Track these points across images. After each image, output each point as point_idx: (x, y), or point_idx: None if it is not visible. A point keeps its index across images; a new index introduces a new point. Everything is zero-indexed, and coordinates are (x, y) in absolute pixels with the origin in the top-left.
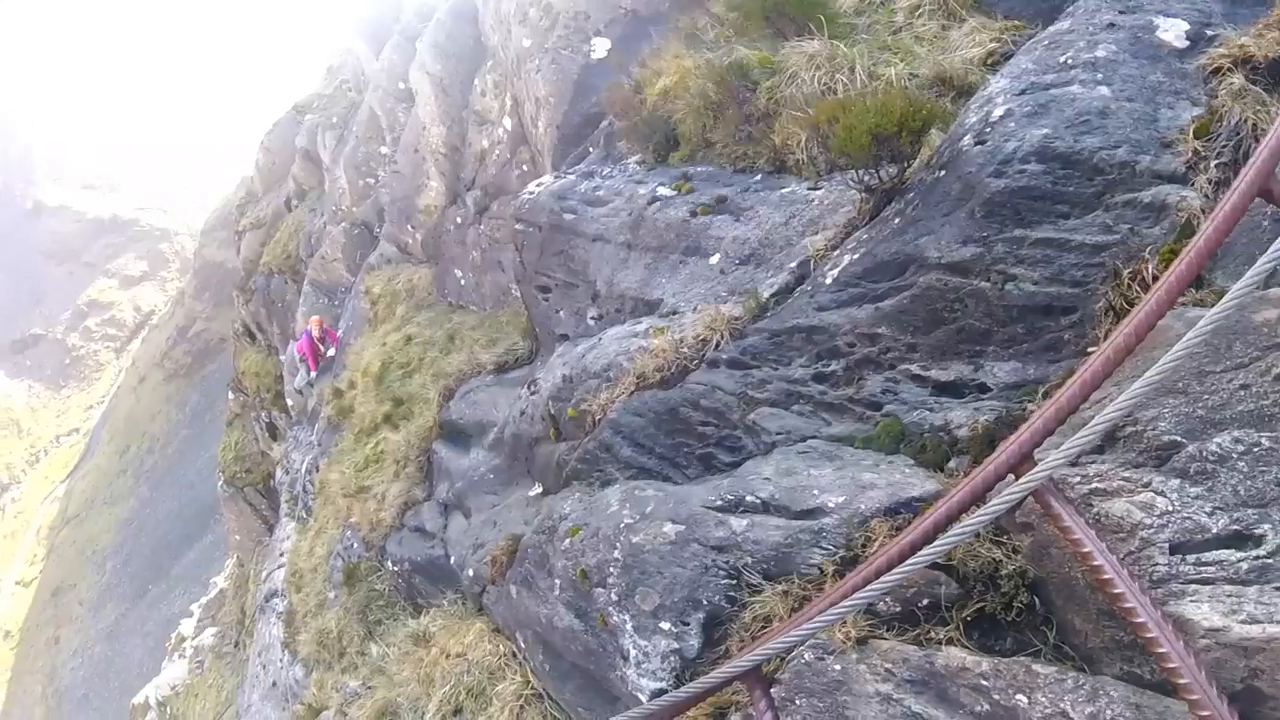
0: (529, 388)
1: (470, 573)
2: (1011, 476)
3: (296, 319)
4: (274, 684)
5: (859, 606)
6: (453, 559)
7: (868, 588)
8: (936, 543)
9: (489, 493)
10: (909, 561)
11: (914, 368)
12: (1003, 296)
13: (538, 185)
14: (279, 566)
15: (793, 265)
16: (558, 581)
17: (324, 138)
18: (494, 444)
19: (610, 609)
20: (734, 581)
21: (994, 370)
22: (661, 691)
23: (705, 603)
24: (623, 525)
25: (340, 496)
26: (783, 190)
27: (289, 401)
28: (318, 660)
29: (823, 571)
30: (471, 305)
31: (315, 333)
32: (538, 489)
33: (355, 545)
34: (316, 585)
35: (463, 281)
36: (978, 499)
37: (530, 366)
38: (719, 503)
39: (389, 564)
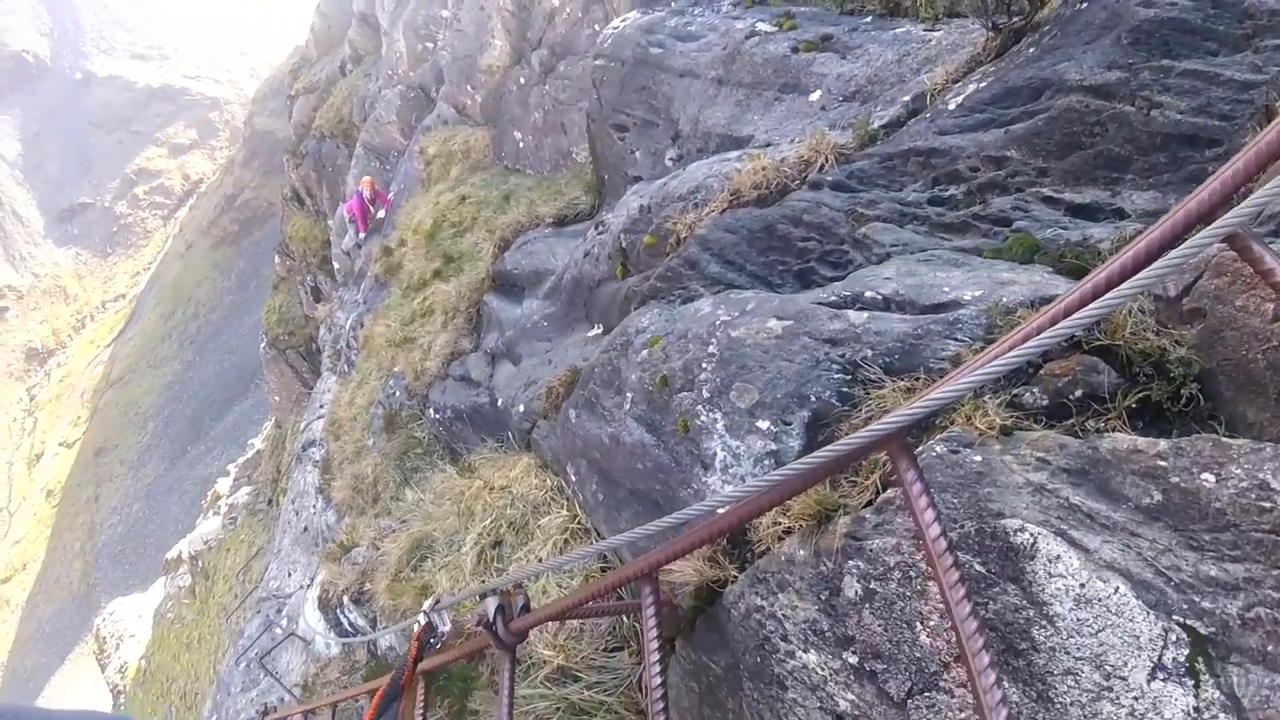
0: (596, 228)
1: (521, 409)
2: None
3: (347, 182)
4: (305, 529)
5: (1035, 353)
6: (500, 401)
7: (1054, 328)
8: (1127, 283)
9: (541, 340)
10: (1092, 306)
11: (1045, 190)
12: (1147, 122)
13: (622, 20)
14: (318, 418)
15: (906, 99)
16: (630, 395)
17: (383, 1)
18: (550, 291)
19: (699, 408)
20: (848, 376)
21: (1132, 197)
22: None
23: (813, 399)
24: (719, 322)
25: (385, 347)
26: (895, 31)
27: (335, 265)
28: (351, 505)
29: (957, 363)
30: (529, 169)
31: (366, 194)
32: (597, 330)
33: (398, 393)
34: (355, 433)
35: (521, 144)
36: (1153, 256)
37: (591, 220)
38: (833, 299)
39: (430, 411)
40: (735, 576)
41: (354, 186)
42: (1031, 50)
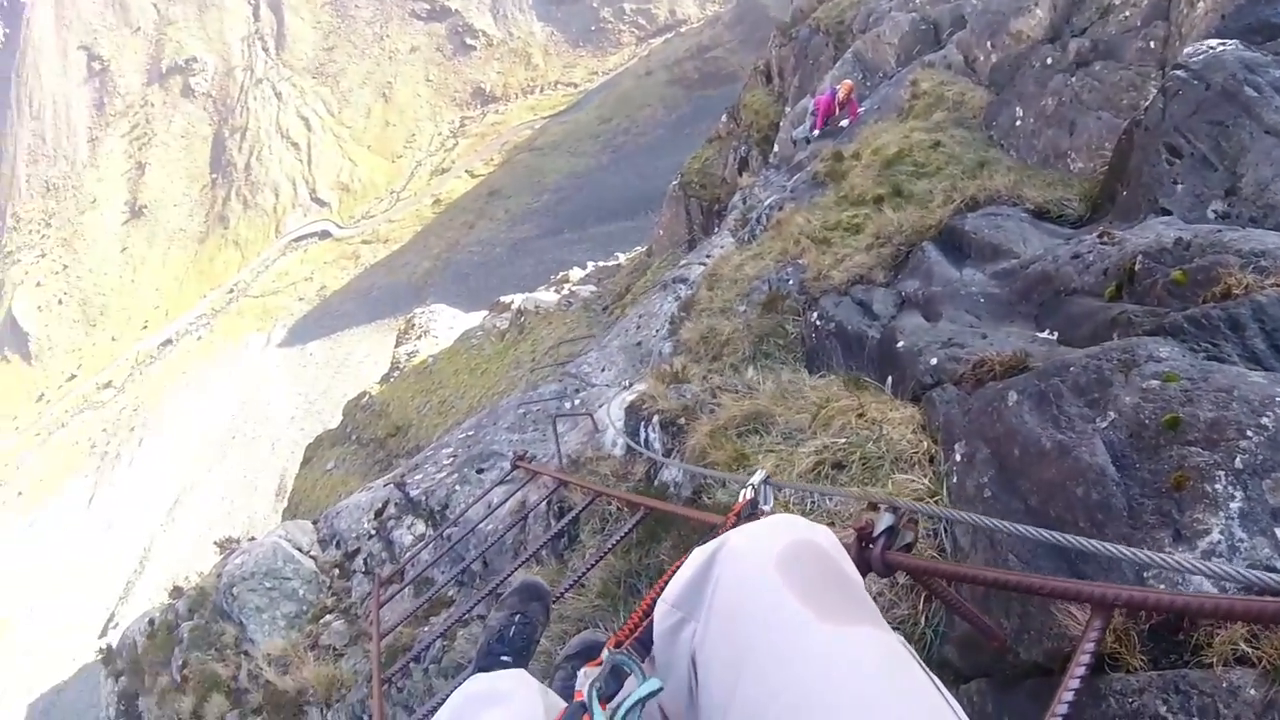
0: (1101, 237)
1: (932, 362)
2: None
3: (824, 79)
4: (639, 343)
5: None
6: (900, 344)
7: None
8: None
9: (970, 311)
10: None
11: None
12: None
13: (1220, 44)
14: (700, 263)
15: None
16: (1112, 415)
17: None
18: (1003, 274)
19: (1219, 474)
20: None
21: None
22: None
23: None
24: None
25: (798, 237)
26: None
27: (775, 147)
28: (690, 349)
29: None
30: (1013, 149)
31: (840, 96)
32: (1049, 334)
33: (791, 282)
34: (729, 294)
35: (1018, 123)
36: None
37: (1074, 226)
38: None
39: (813, 315)
40: (1136, 666)
41: (829, 85)
42: None
